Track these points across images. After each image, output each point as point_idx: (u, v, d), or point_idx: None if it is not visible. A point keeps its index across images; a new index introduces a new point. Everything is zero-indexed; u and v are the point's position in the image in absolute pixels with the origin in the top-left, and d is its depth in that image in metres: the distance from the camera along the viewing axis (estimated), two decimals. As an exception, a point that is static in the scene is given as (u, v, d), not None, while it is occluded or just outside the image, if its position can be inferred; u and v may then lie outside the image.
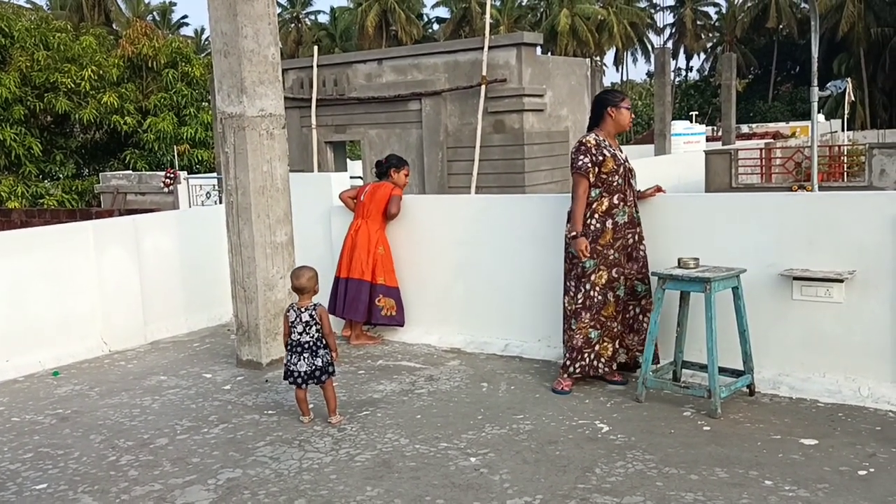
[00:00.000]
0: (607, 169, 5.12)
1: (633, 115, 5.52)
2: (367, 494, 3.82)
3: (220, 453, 4.41)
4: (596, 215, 5.14)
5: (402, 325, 6.69)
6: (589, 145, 5.17)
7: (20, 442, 4.71)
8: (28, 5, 38.32)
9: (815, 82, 12.97)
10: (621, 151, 5.30)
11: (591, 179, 5.13)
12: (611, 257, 5.17)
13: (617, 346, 5.29)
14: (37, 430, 4.90)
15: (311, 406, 4.89)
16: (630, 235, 5.24)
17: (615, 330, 5.27)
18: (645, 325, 5.26)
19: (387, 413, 4.94)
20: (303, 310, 4.76)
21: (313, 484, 3.96)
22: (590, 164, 5.11)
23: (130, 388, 5.68)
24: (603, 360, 5.24)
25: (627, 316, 5.30)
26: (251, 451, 4.41)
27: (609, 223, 5.15)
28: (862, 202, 4.89)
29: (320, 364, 4.75)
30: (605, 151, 5.15)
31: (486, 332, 6.30)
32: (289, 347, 4.81)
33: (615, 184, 5.15)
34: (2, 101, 21.03)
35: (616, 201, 5.17)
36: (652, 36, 63.50)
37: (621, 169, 5.18)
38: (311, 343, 4.75)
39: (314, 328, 4.75)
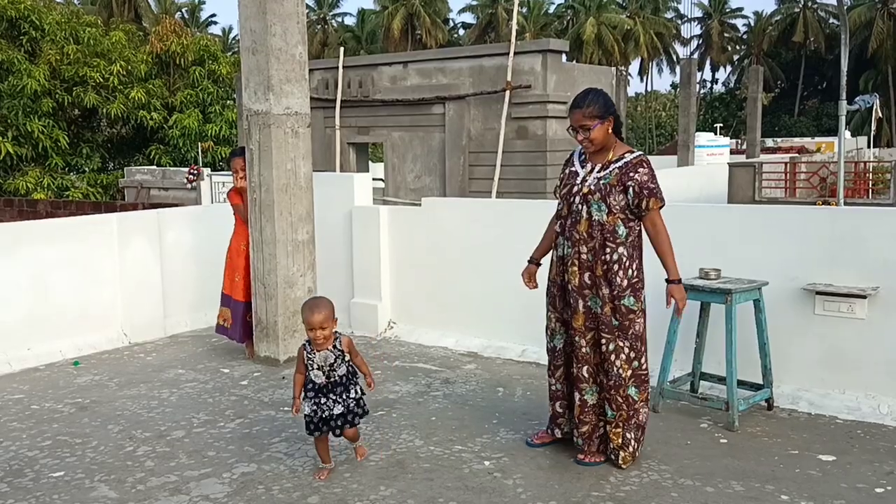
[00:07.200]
0: None
1: None
2: (381, 494, 3.83)
3: (236, 447, 4.43)
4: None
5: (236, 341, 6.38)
6: None
7: (39, 430, 4.76)
8: (59, 0, 38.82)
9: (844, 95, 12.84)
10: None
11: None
12: None
13: None
14: (56, 419, 4.95)
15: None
16: None
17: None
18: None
19: (402, 414, 4.95)
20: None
21: (327, 481, 3.97)
22: None
23: (149, 381, 5.73)
24: None
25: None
26: (266, 447, 4.43)
27: None
28: (887, 218, 4.84)
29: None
30: None
31: (504, 336, 6.30)
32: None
33: None
34: (31, 94, 21.32)
35: None
36: (678, 47, 63.37)
37: None
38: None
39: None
